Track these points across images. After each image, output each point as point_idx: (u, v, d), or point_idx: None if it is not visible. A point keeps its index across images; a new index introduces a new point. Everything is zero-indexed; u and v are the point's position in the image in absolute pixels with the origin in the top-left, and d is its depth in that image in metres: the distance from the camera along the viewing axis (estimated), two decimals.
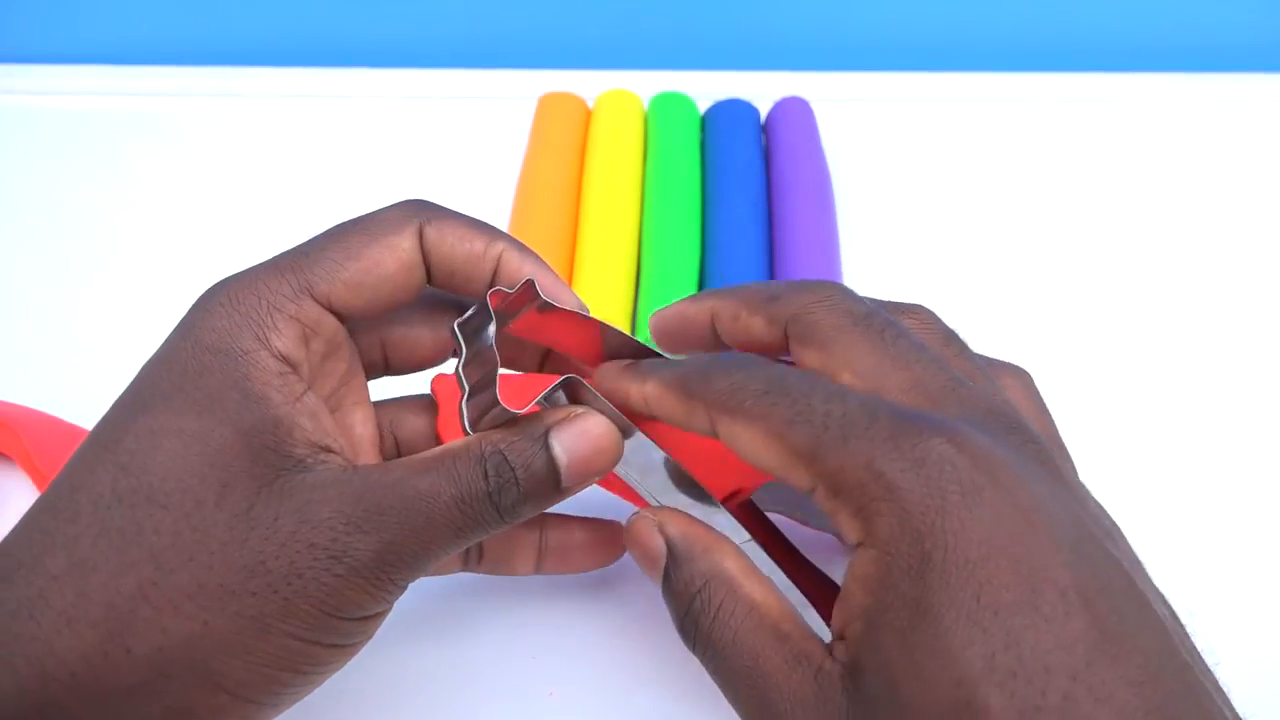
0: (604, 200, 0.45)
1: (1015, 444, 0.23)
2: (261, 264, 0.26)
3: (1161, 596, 0.24)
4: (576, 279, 0.42)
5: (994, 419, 0.24)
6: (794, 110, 0.50)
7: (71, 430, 0.37)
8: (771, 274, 0.43)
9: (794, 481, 0.24)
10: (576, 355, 0.30)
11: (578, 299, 0.29)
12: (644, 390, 0.27)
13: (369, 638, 0.26)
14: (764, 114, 0.51)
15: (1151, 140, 0.53)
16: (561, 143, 0.49)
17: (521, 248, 0.28)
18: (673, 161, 0.47)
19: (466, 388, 0.26)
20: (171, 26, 0.59)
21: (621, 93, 0.51)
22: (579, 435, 0.26)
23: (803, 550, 0.31)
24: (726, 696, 0.25)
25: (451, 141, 0.53)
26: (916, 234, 0.48)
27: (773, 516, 0.32)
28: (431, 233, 0.27)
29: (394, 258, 0.27)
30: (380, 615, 0.26)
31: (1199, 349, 0.43)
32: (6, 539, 0.24)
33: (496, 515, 0.25)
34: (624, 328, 0.40)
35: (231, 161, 0.52)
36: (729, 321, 0.28)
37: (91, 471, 0.24)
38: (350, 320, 0.28)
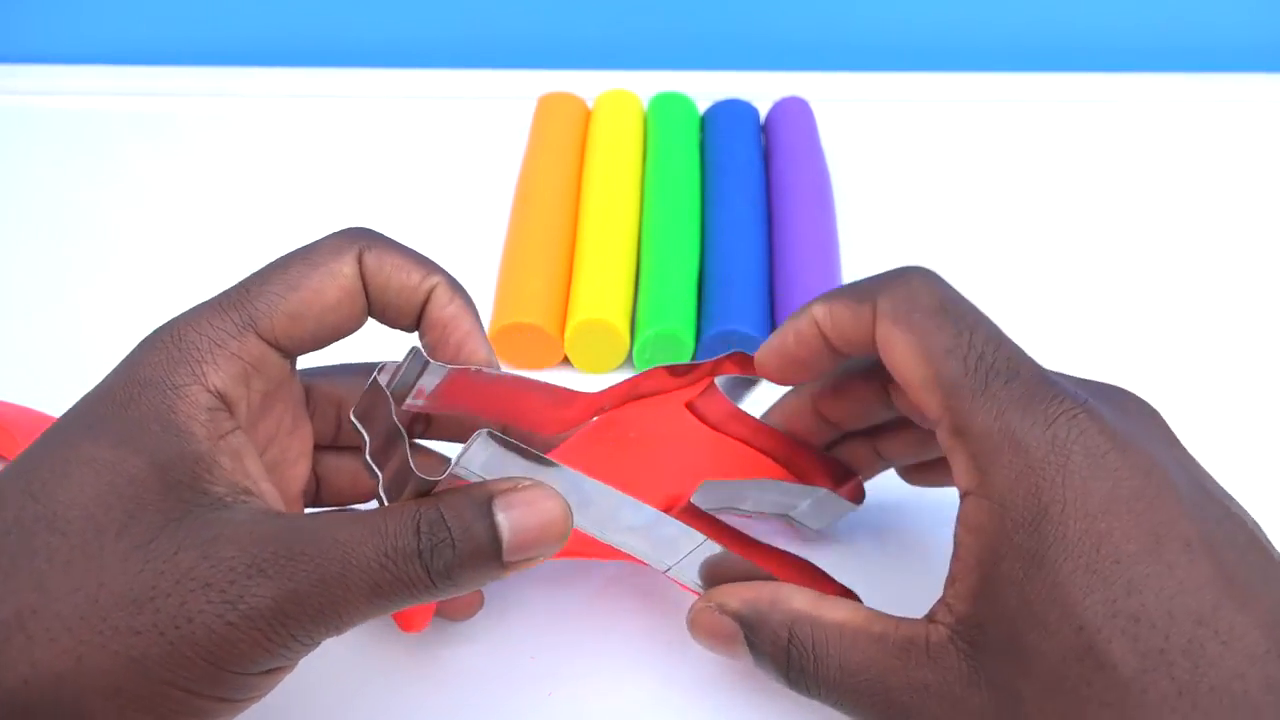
0: (604, 200, 0.45)
1: (1135, 416, 0.25)
2: (207, 301, 0.26)
3: None
4: (576, 279, 0.42)
5: (1112, 392, 0.26)
6: (794, 110, 0.50)
7: None
8: (771, 274, 0.43)
9: (925, 403, 0.25)
10: (494, 415, 0.29)
11: (490, 353, 0.28)
12: (813, 312, 0.28)
13: (263, 694, 0.24)
14: (764, 114, 0.51)
15: (1151, 140, 0.53)
16: (561, 143, 0.49)
17: (454, 286, 0.28)
18: (672, 161, 0.47)
19: (379, 475, 0.24)
20: (171, 26, 0.59)
21: (621, 93, 0.51)
22: (525, 506, 0.24)
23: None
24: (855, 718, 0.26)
25: (451, 141, 0.53)
26: (916, 234, 0.48)
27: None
28: (370, 260, 0.27)
29: (335, 285, 0.26)
30: (278, 671, 0.23)
31: (1199, 348, 0.43)
32: None
33: (426, 578, 0.23)
34: (624, 328, 0.40)
35: (231, 161, 0.52)
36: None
37: (0, 498, 0.23)
38: (295, 353, 0.27)
